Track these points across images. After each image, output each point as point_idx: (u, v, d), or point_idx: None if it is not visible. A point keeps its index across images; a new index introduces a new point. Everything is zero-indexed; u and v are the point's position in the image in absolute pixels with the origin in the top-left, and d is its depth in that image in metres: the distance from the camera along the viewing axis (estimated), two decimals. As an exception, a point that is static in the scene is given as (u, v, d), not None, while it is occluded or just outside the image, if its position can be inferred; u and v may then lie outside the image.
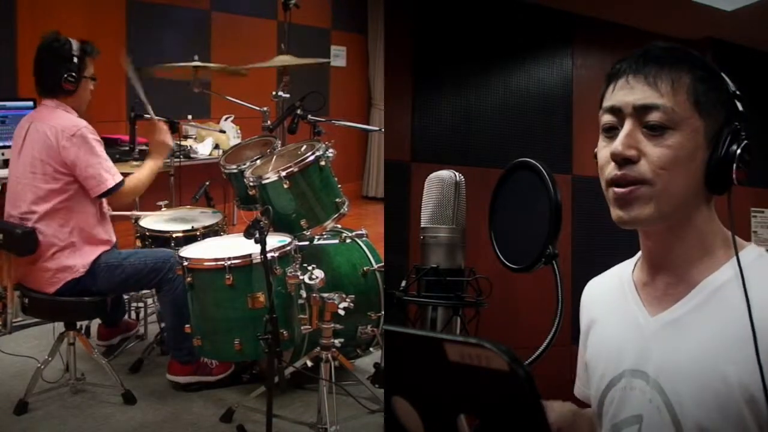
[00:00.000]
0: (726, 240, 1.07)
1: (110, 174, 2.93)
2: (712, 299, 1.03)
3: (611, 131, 1.06)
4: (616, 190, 1.04)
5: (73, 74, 2.91)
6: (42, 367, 2.91)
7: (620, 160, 1.03)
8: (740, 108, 1.06)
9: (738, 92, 1.06)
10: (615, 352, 1.15)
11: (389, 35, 3.37)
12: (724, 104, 1.05)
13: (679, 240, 1.07)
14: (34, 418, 2.81)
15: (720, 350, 0.99)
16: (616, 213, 1.06)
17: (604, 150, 1.07)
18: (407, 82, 2.83)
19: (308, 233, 2.92)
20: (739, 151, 1.02)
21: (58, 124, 2.86)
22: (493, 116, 2.99)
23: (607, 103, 1.07)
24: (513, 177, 1.36)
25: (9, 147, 3.36)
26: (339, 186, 3.03)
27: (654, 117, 1.02)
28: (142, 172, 3.10)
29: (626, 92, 1.04)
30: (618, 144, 1.03)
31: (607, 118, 1.07)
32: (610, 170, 1.05)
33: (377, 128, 4.91)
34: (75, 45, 2.94)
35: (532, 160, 1.31)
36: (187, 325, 2.74)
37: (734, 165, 1.02)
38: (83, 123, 2.91)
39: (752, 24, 3.13)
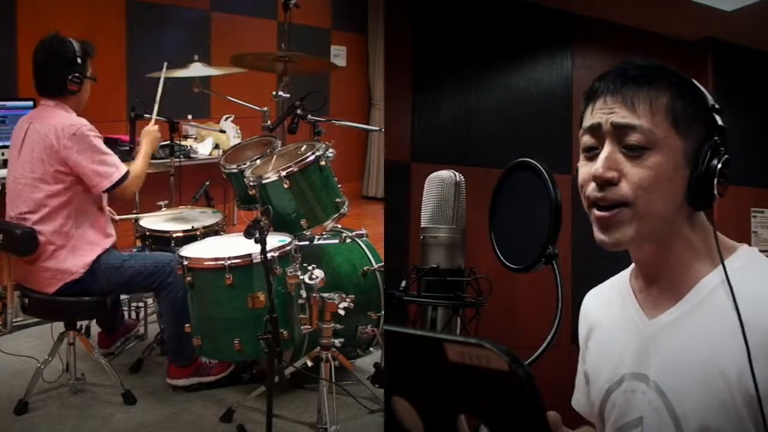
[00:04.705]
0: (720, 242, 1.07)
1: (115, 167, 2.95)
2: (708, 300, 1.04)
3: (591, 151, 1.07)
4: (598, 213, 1.05)
5: (78, 75, 2.91)
6: (42, 367, 2.91)
7: (601, 182, 1.03)
8: (719, 122, 1.05)
9: (717, 106, 1.06)
10: (615, 356, 1.15)
11: (389, 35, 3.37)
12: (703, 120, 1.05)
13: (666, 251, 1.08)
14: (34, 418, 2.81)
15: (718, 350, 0.99)
16: (598, 236, 1.07)
17: (584, 169, 1.07)
18: (407, 82, 2.83)
19: (308, 233, 2.92)
20: (719, 165, 1.02)
21: (57, 123, 2.86)
22: (493, 116, 2.99)
23: (586, 123, 1.07)
24: (513, 177, 1.36)
25: (9, 147, 3.36)
26: (339, 186, 3.03)
27: (632, 138, 1.02)
28: (138, 162, 3.12)
29: (605, 113, 1.04)
30: (599, 166, 1.03)
31: (586, 139, 1.07)
32: (591, 190, 1.05)
33: (377, 128, 4.92)
34: (77, 45, 2.93)
35: (532, 160, 1.31)
36: (187, 325, 2.74)
37: (716, 180, 1.02)
38: (82, 121, 2.92)
39: (752, 24, 3.12)
